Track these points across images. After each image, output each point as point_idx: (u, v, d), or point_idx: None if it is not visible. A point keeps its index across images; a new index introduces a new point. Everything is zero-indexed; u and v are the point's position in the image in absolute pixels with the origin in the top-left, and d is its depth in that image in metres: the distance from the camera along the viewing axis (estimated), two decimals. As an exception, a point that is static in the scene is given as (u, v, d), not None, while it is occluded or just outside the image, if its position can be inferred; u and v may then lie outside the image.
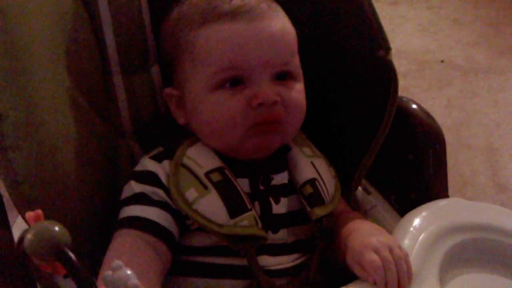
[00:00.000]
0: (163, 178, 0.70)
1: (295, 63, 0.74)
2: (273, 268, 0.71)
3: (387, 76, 0.74)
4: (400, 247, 0.64)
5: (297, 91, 0.74)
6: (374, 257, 0.62)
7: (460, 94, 2.07)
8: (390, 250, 0.62)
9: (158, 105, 0.84)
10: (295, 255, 0.73)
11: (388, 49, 0.75)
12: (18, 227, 0.70)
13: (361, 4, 0.76)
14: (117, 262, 0.43)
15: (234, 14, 0.69)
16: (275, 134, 0.72)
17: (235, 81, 0.70)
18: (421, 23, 2.45)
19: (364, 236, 0.66)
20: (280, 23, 0.72)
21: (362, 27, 0.76)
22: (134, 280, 0.42)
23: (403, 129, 0.81)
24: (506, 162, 1.79)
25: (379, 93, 0.75)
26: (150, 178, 0.70)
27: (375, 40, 0.75)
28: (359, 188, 0.86)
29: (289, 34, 0.73)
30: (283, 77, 0.72)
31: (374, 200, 0.85)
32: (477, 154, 1.82)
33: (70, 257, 0.42)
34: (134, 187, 0.71)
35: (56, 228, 0.43)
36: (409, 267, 0.62)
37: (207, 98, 0.71)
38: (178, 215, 0.69)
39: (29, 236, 0.43)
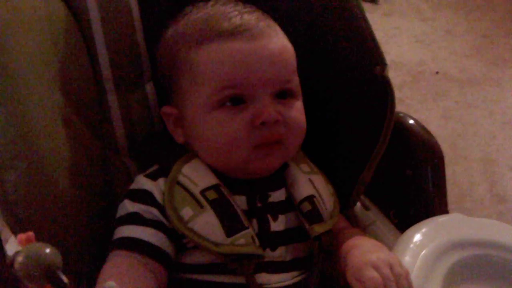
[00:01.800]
0: (158, 197, 0.69)
1: (295, 82, 0.74)
2: (272, 286, 0.70)
3: (384, 92, 0.74)
4: (400, 265, 0.63)
5: (297, 109, 0.74)
6: (374, 274, 0.61)
7: (456, 105, 2.07)
8: (391, 267, 0.62)
9: (153, 123, 0.83)
10: (294, 273, 0.72)
11: (384, 65, 0.74)
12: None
13: (357, 21, 0.75)
14: (110, 283, 0.42)
15: (234, 33, 0.69)
16: (277, 155, 0.72)
17: (236, 99, 0.70)
18: (415, 35, 2.46)
19: (364, 252, 0.65)
20: (280, 41, 0.72)
21: (358, 44, 0.76)
22: None
23: (401, 145, 0.81)
24: (504, 173, 1.79)
25: (376, 109, 0.75)
26: (144, 196, 0.70)
27: (371, 56, 0.75)
28: (358, 204, 0.85)
29: (288, 53, 0.73)
30: (283, 95, 0.72)
31: (373, 216, 0.84)
32: (474, 165, 1.82)
33: (62, 280, 0.41)
34: (128, 206, 0.70)
35: (47, 250, 0.42)
36: (409, 285, 0.62)
37: (208, 117, 0.70)
38: (173, 234, 0.68)
39: (20, 258, 0.42)
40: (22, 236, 0.49)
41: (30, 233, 0.49)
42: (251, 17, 0.71)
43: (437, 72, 2.23)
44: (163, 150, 0.77)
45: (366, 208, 0.85)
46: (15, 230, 0.62)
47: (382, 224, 0.83)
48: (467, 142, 1.91)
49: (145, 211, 0.68)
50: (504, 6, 2.76)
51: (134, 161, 0.81)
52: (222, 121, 0.70)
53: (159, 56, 0.78)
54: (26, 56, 0.66)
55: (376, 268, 0.61)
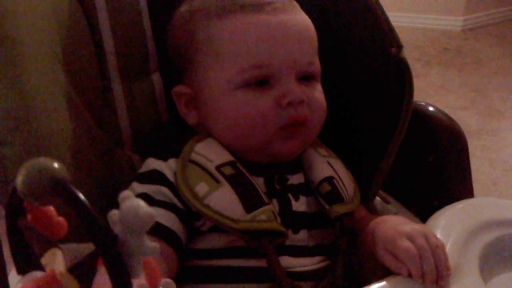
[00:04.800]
0: (169, 175, 0.64)
1: (317, 64, 0.71)
2: (295, 270, 0.64)
3: (401, 73, 0.71)
4: (436, 236, 0.57)
5: (320, 91, 0.71)
6: (409, 244, 0.55)
7: (455, 155, 2.05)
8: (426, 238, 0.56)
9: (159, 115, 0.79)
10: (318, 258, 0.67)
11: (400, 46, 0.72)
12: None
13: (371, 5, 0.73)
14: (125, 192, 0.36)
15: (258, 5, 0.66)
16: (299, 138, 0.68)
17: (262, 80, 0.66)
18: (410, 90, 2.48)
19: (395, 225, 0.60)
20: (303, 16, 0.70)
21: (373, 27, 0.73)
22: (147, 209, 0.35)
23: (422, 132, 0.76)
24: (509, 218, 1.74)
25: (394, 92, 0.72)
26: (154, 176, 0.64)
27: (386, 38, 0.72)
28: (377, 198, 0.79)
29: (311, 30, 0.71)
30: (306, 78, 0.69)
31: (394, 208, 0.79)
32: (478, 212, 1.77)
33: (76, 194, 0.35)
34: (136, 188, 0.64)
35: (55, 164, 0.36)
36: (446, 257, 0.56)
37: (231, 96, 0.66)
38: (185, 216, 0.63)
39: (22, 171, 0.36)
40: None
41: None
42: None
43: (434, 124, 2.22)
44: (171, 137, 0.72)
45: (386, 201, 0.79)
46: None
47: (405, 216, 0.77)
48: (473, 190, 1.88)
49: (155, 191, 0.63)
50: (493, 62, 2.83)
51: (138, 155, 0.76)
52: (248, 101, 0.66)
53: (171, 33, 0.74)
54: (30, 33, 0.63)
55: (410, 238, 0.56)
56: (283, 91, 0.66)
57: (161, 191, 0.63)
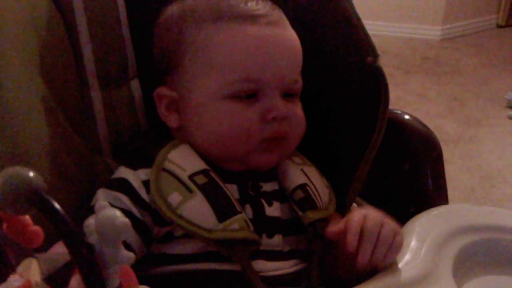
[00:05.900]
0: (135, 185, 0.64)
1: (300, 83, 0.72)
2: (269, 274, 0.65)
3: (377, 82, 0.72)
4: (398, 233, 0.59)
5: (300, 107, 0.72)
6: (358, 218, 0.59)
7: (433, 162, 2.08)
8: (381, 226, 0.58)
9: (139, 123, 0.79)
10: (293, 262, 0.67)
11: (376, 55, 0.73)
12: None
13: (348, 14, 0.75)
14: (101, 203, 0.37)
15: (252, 16, 0.67)
16: (278, 151, 0.70)
17: (250, 93, 0.67)
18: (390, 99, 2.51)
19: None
20: (292, 33, 0.71)
21: (349, 36, 0.75)
22: (123, 218, 0.36)
23: (398, 139, 0.78)
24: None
25: (370, 101, 0.73)
26: (117, 184, 0.65)
27: (363, 47, 0.73)
28: (354, 205, 0.80)
29: (299, 47, 0.72)
30: (289, 94, 0.70)
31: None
32: (456, 219, 1.79)
33: (51, 203, 0.35)
34: (98, 194, 0.65)
35: (31, 174, 0.36)
36: (391, 256, 0.59)
37: (218, 106, 0.67)
38: (142, 226, 0.63)
39: None
40: None
41: None
42: (265, 5, 0.70)
43: (413, 132, 2.25)
44: (148, 146, 0.72)
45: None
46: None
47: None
48: (448, 196, 1.90)
49: (113, 198, 0.63)
50: (471, 71, 2.88)
51: (117, 163, 0.76)
52: (234, 112, 0.67)
53: (158, 32, 0.73)
54: (7, 37, 0.62)
55: (365, 217, 0.59)
56: (269, 106, 0.67)
57: (119, 198, 0.63)
